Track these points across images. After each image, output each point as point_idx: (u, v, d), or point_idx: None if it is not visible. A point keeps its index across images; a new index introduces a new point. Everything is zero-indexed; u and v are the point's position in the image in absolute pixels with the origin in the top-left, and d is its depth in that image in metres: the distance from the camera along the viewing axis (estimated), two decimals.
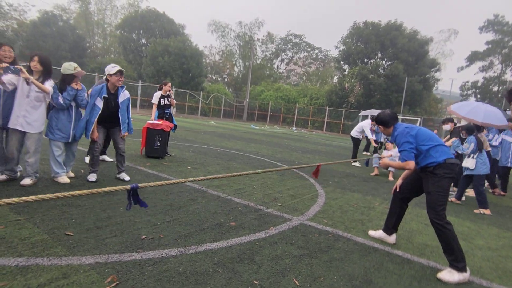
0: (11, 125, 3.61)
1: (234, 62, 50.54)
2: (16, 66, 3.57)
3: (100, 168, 4.62)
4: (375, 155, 8.05)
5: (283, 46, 51.10)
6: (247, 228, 3.19)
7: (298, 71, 53.15)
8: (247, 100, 37.96)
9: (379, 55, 34.22)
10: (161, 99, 6.64)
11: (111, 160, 5.57)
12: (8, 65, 3.54)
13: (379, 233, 3.31)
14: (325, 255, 2.78)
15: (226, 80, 51.60)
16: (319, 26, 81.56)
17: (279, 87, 39.80)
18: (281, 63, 53.16)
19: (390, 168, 6.92)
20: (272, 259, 2.57)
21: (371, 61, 34.27)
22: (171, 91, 6.91)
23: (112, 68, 4.18)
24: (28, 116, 3.68)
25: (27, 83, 3.64)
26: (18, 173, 3.91)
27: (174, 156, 6.88)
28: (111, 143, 5.08)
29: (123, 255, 2.35)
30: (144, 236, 2.71)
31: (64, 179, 4.00)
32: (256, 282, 2.20)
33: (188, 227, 3.04)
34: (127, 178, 4.46)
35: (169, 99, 6.74)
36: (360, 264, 2.68)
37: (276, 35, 50.39)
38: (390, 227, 3.23)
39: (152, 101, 6.68)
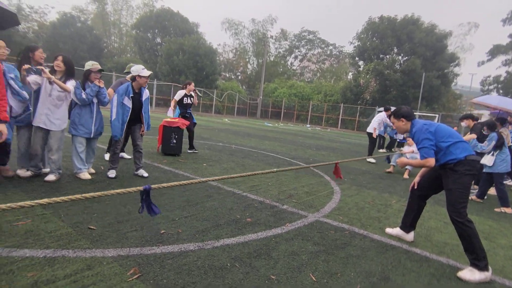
0: (35, 122, 3.77)
1: (247, 60, 50.53)
2: (38, 67, 3.71)
3: (119, 165, 4.75)
4: (396, 152, 7.92)
5: (297, 43, 50.70)
6: (263, 224, 3.21)
7: (312, 67, 52.63)
8: (261, 97, 37.92)
9: (395, 50, 33.47)
10: (184, 98, 6.78)
11: (129, 157, 5.70)
12: (30, 66, 3.69)
13: (396, 231, 3.27)
14: (341, 251, 2.78)
15: (239, 77, 51.69)
16: (334, 22, 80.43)
17: (293, 84, 39.56)
18: (295, 60, 52.78)
19: (407, 166, 6.80)
20: (288, 255, 2.59)
21: (387, 56, 33.56)
22: (195, 90, 7.08)
23: (143, 71, 4.32)
24: (51, 114, 3.82)
25: (50, 82, 3.78)
26: (43, 170, 4.07)
27: (189, 153, 6.98)
28: (128, 141, 5.22)
29: (144, 249, 2.42)
30: (163, 231, 2.78)
31: (85, 175, 4.13)
32: (273, 277, 2.23)
33: (205, 223, 3.09)
34: (145, 174, 4.57)
35: (192, 98, 6.88)
36: (377, 261, 2.66)
37: (290, 32, 50.05)
38: (408, 224, 3.18)
39: (175, 97, 6.81)
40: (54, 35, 32.47)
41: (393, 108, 4.21)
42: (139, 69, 4.38)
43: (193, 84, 6.97)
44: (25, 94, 3.60)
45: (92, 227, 2.69)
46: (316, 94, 36.46)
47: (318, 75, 51.42)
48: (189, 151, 7.07)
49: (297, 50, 51.55)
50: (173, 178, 4.67)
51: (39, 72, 3.70)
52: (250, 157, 7.37)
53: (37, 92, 3.81)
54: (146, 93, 4.57)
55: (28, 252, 2.19)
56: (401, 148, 8.66)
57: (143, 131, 4.63)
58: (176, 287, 1.99)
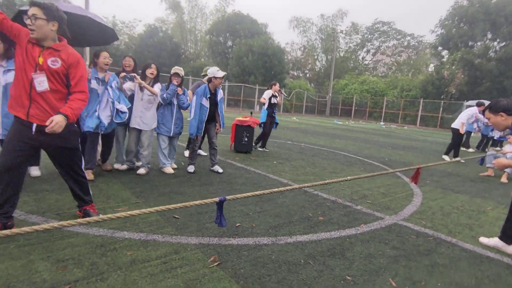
0: (131, 124, 4.32)
1: (315, 57, 49.52)
2: (131, 74, 4.23)
3: (196, 161, 5.12)
4: (490, 152, 6.93)
5: (369, 36, 47.77)
6: (336, 224, 3.13)
7: (387, 61, 49.02)
8: (330, 95, 36.83)
9: (489, 36, 29.10)
10: (272, 98, 7.01)
11: (205, 154, 6.11)
12: (125, 74, 4.23)
13: (494, 241, 2.87)
14: (425, 258, 2.55)
15: (307, 75, 50.99)
16: (411, 11, 73.44)
17: (365, 79, 37.44)
18: (367, 54, 49.81)
19: (507, 168, 5.88)
20: (364, 257, 2.48)
21: (478, 43, 29.39)
22: (281, 91, 7.27)
23: (218, 72, 4.60)
24: (143, 116, 4.32)
25: (141, 88, 4.27)
26: (135, 164, 4.63)
27: (260, 151, 7.16)
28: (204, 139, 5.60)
29: (222, 239, 2.58)
30: (238, 224, 2.92)
31: (169, 169, 4.57)
32: (349, 278, 2.16)
33: (278, 219, 3.14)
34: (220, 170, 4.85)
35: (277, 98, 7.07)
36: (470, 273, 2.37)
37: (361, 25, 47.39)
38: (510, 235, 2.76)
39: (264, 97, 7.05)
40: (141, 45, 36.47)
41: (487, 103, 3.68)
42: (214, 71, 4.66)
43: (278, 84, 7.16)
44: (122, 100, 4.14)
45: (176, 216, 2.97)
46: (391, 90, 33.92)
47: (393, 69, 47.74)
48: (259, 148, 7.26)
49: (369, 44, 48.59)
50: (246, 175, 4.85)
51: (132, 79, 4.22)
52: (320, 156, 7.24)
53: (131, 98, 4.35)
54: (220, 93, 4.84)
55: (126, 234, 2.52)
56: (498, 148, 7.51)
57: (218, 129, 4.91)
58: (252, 277, 2.07)
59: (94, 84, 3.88)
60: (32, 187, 3.44)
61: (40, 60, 2.26)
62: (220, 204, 1.84)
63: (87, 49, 16.67)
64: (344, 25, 60.78)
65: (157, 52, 35.74)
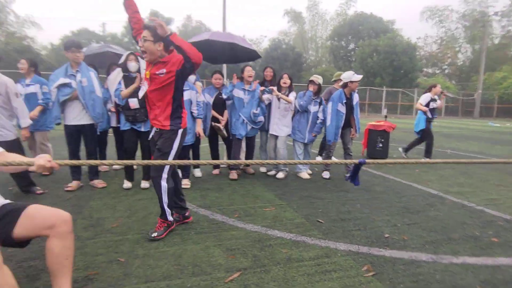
0: (270, 131, 4.67)
1: (457, 49, 42.09)
2: (269, 88, 4.58)
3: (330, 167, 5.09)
4: None
5: None
6: None
7: None
8: (480, 91, 30.56)
9: None
10: (431, 102, 6.34)
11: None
12: (264, 88, 4.61)
13: None
14: None
15: (446, 71, 43.84)
16: None
17: None
18: None
19: None
20: None
21: None
22: (443, 93, 6.57)
23: (354, 76, 4.52)
24: (279, 123, 4.61)
25: (278, 98, 4.57)
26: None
27: (396, 157, 6.55)
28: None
29: (372, 249, 2.46)
30: (387, 235, 2.73)
31: (304, 174, 4.70)
32: None
33: (433, 234, 2.78)
34: None
35: (437, 103, 6.43)
36: None
37: None
38: None
39: (420, 102, 6.51)
40: (266, 58, 39.27)
41: None
42: (350, 75, 4.56)
43: (439, 86, 6.39)
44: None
45: (320, 221, 3.01)
46: None
47: None
48: (401, 150, 6.64)
49: None
50: (384, 183, 4.52)
51: (270, 92, 4.57)
52: (475, 164, 6.06)
53: (269, 106, 4.71)
54: (356, 98, 4.69)
55: (278, 233, 2.71)
56: None
57: (353, 134, 4.77)
58: None
59: (241, 94, 4.41)
60: (197, 186, 4.14)
61: (147, 74, 2.57)
62: (358, 166, 1.94)
63: (224, 65, 19.24)
64: (499, 5, 49.47)
65: (281, 64, 37.71)
